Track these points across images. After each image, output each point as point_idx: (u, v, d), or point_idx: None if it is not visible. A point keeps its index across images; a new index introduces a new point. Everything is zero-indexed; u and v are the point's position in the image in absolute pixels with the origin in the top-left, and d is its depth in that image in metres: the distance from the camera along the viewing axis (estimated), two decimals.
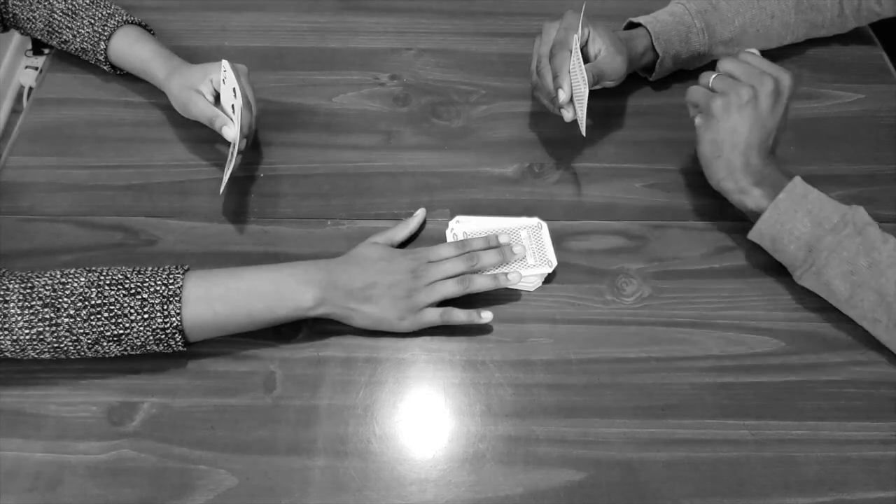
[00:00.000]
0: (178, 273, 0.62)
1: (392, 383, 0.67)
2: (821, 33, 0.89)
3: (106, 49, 0.81)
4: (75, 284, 0.60)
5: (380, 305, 0.65)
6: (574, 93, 0.72)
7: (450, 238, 0.73)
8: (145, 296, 0.60)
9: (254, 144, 0.82)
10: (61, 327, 0.59)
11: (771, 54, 0.88)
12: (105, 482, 0.61)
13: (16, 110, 1.85)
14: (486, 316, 0.67)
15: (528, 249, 0.72)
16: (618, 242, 0.76)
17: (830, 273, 0.66)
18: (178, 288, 0.61)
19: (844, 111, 0.87)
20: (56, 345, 0.60)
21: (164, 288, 0.61)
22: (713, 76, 0.71)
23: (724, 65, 0.70)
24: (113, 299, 0.60)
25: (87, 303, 0.60)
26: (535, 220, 0.74)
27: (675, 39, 0.81)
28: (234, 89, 0.72)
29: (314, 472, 0.62)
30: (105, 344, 0.61)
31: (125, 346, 0.61)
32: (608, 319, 0.71)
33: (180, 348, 0.63)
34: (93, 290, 0.60)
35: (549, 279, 0.72)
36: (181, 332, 0.61)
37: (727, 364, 0.68)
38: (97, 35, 0.80)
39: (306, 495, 0.61)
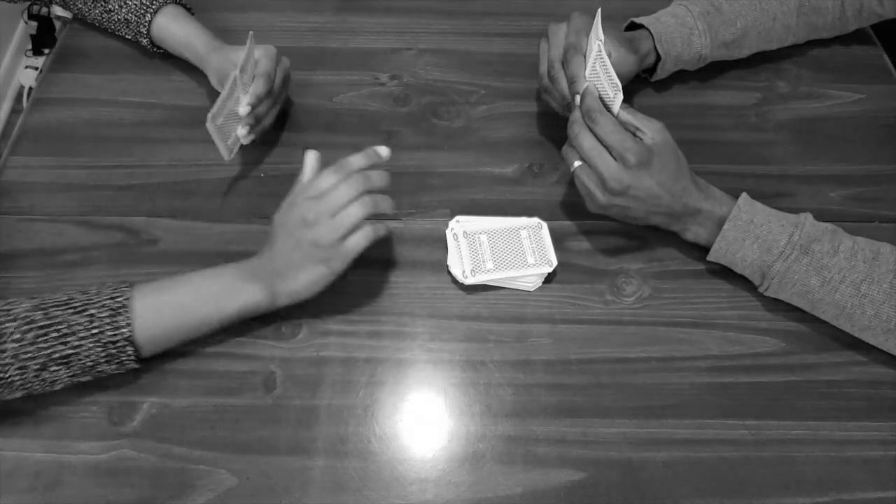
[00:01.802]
0: (124, 287, 0.61)
1: (392, 383, 0.67)
2: (822, 35, 0.89)
3: (150, 22, 0.82)
4: (18, 310, 0.58)
5: (305, 270, 0.64)
6: (603, 98, 0.69)
7: (450, 238, 0.73)
8: (93, 311, 0.59)
9: (254, 144, 0.82)
10: (6, 354, 0.57)
11: (772, 55, 0.89)
12: (105, 482, 0.61)
13: (16, 110, 1.85)
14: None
15: (528, 249, 0.72)
16: (618, 242, 0.76)
17: (787, 294, 0.68)
18: (126, 300, 0.60)
19: (844, 111, 0.87)
20: (2, 374, 0.57)
21: (111, 301, 0.60)
22: (576, 165, 0.69)
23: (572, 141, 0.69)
24: (60, 319, 0.58)
25: (32, 325, 0.58)
26: (535, 220, 0.74)
27: (677, 41, 0.81)
28: (252, 63, 0.75)
29: (314, 472, 0.62)
30: (53, 369, 0.59)
31: (74, 368, 0.59)
32: (608, 319, 0.71)
33: (132, 364, 0.62)
34: (38, 313, 0.58)
35: (549, 279, 0.72)
36: (132, 343, 0.60)
37: (727, 364, 0.68)
38: (144, 7, 0.82)
39: (306, 495, 0.61)
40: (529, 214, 0.76)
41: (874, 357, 0.68)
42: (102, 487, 0.61)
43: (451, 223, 0.74)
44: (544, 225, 0.73)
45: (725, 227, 0.67)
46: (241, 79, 0.74)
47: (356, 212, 0.62)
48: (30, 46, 1.90)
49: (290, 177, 0.79)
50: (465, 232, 0.73)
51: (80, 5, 0.85)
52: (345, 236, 0.63)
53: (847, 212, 0.78)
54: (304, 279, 0.64)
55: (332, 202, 0.62)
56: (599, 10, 0.69)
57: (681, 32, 0.81)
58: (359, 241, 0.63)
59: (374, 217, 0.63)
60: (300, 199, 0.64)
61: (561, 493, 0.62)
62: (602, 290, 0.73)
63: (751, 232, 0.67)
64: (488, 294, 0.72)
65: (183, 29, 0.82)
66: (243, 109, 0.74)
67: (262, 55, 0.77)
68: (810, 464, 0.63)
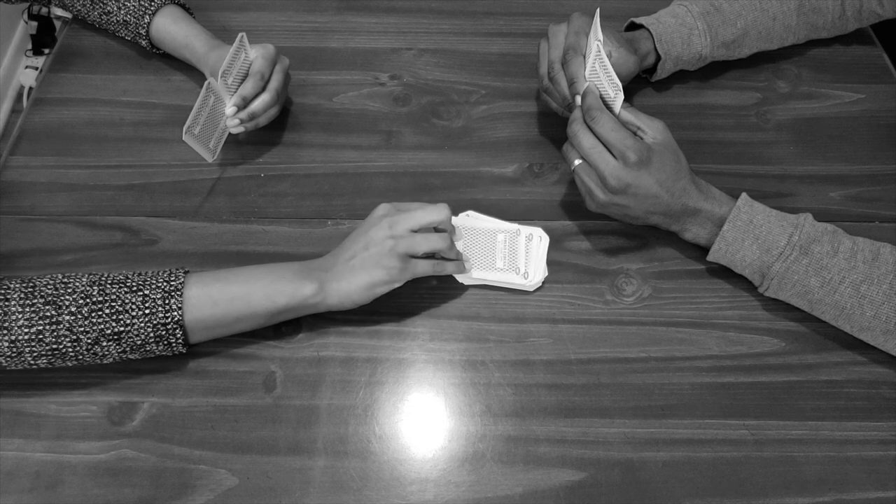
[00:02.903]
0: (179, 272, 0.63)
1: (392, 383, 0.67)
2: (822, 35, 0.89)
3: (149, 24, 0.82)
4: (77, 283, 0.61)
5: (365, 272, 0.64)
6: (604, 98, 0.69)
7: None
8: (147, 291, 0.61)
9: (254, 144, 0.82)
10: (62, 325, 0.59)
11: (772, 55, 0.89)
12: (105, 482, 0.61)
13: (16, 110, 1.85)
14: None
15: (499, 254, 0.72)
16: (618, 242, 0.76)
17: (786, 294, 0.68)
18: (181, 284, 0.62)
19: (844, 111, 0.87)
20: (55, 345, 0.59)
21: (165, 284, 0.61)
22: (576, 163, 0.69)
23: (572, 138, 0.69)
24: (115, 296, 0.60)
25: (88, 300, 0.60)
26: (530, 230, 0.73)
27: (677, 41, 0.81)
28: (245, 64, 0.75)
29: (314, 472, 0.62)
30: (105, 344, 0.60)
31: (125, 345, 0.61)
32: (608, 319, 0.71)
33: (180, 349, 0.63)
34: (94, 287, 0.60)
35: (547, 280, 0.72)
36: (182, 327, 0.61)
37: (727, 364, 0.68)
38: (143, 9, 0.82)
39: (306, 495, 0.61)
40: (530, 214, 0.76)
41: (874, 357, 0.68)
42: (102, 487, 0.61)
43: (462, 214, 0.74)
44: (536, 237, 0.73)
45: (725, 227, 0.67)
46: (225, 81, 0.74)
47: (437, 240, 0.66)
48: (30, 46, 1.90)
49: (290, 177, 0.80)
50: (464, 227, 0.73)
51: (78, 7, 0.86)
52: (416, 256, 0.65)
53: (847, 212, 0.78)
54: (360, 281, 0.64)
55: (419, 220, 0.65)
56: (598, 10, 0.69)
57: (681, 32, 0.81)
58: (426, 267, 0.66)
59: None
60: (389, 210, 0.66)
61: (561, 493, 0.62)
62: (602, 290, 0.73)
63: (750, 232, 0.67)
64: (488, 294, 0.72)
65: (182, 30, 0.82)
66: (229, 110, 0.75)
67: (258, 55, 0.77)
68: (810, 464, 0.63)
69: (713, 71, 0.88)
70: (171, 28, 0.82)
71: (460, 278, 0.72)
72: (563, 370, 0.68)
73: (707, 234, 0.69)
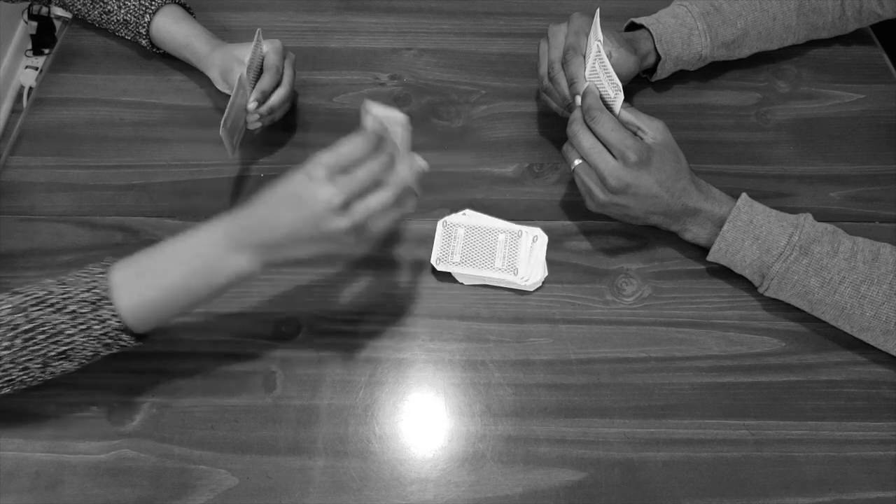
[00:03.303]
0: (99, 274, 0.57)
1: (392, 383, 0.67)
2: (822, 35, 0.89)
3: (149, 23, 0.82)
4: (1, 313, 0.56)
5: (316, 245, 0.57)
6: (604, 98, 0.69)
7: (440, 227, 0.73)
8: (73, 308, 0.56)
9: (254, 144, 0.82)
10: (3, 360, 0.55)
11: (772, 55, 0.89)
12: (105, 482, 0.61)
13: (16, 110, 1.85)
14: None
15: (499, 253, 0.72)
16: (618, 242, 0.76)
17: (786, 294, 0.68)
18: (104, 290, 0.56)
19: (844, 111, 0.87)
20: (7, 377, 0.56)
21: (89, 294, 0.56)
22: (576, 163, 0.69)
23: (572, 138, 0.68)
24: (42, 320, 0.55)
25: (16, 331, 0.55)
26: (532, 230, 0.73)
27: (677, 41, 0.81)
28: (259, 59, 0.75)
29: (314, 472, 0.62)
30: (56, 364, 0.57)
31: (77, 360, 0.58)
32: (608, 319, 0.71)
33: (135, 344, 0.59)
34: (19, 316, 0.55)
35: (547, 280, 0.72)
36: (125, 330, 0.57)
37: (727, 364, 0.68)
38: (143, 8, 0.82)
39: (306, 495, 0.61)
40: (530, 214, 0.76)
41: (874, 357, 0.68)
42: (102, 487, 0.61)
43: (459, 213, 0.74)
44: (535, 237, 0.73)
45: (725, 227, 0.67)
46: (249, 77, 0.74)
47: (386, 198, 0.56)
48: (30, 46, 1.90)
49: None
50: (445, 222, 0.73)
51: (79, 6, 0.86)
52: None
53: (847, 212, 0.78)
54: (311, 252, 0.58)
55: (361, 179, 0.55)
56: (598, 10, 0.69)
57: (681, 32, 0.81)
58: (383, 224, 0.58)
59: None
60: (323, 170, 0.55)
61: (561, 493, 0.62)
62: (602, 290, 0.73)
63: (750, 232, 0.67)
64: (488, 294, 0.72)
65: (183, 30, 0.82)
66: (251, 105, 0.74)
67: (269, 49, 0.77)
68: (810, 464, 0.63)
69: (713, 71, 0.88)
70: (172, 28, 0.82)
71: (460, 278, 0.72)
72: (563, 370, 0.68)
73: (707, 234, 0.69)
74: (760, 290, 0.69)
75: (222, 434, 0.64)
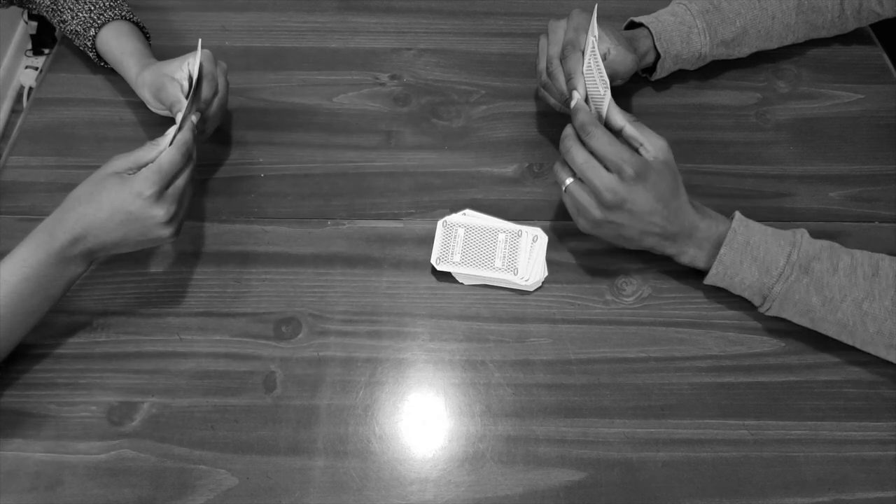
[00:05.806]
0: None
1: (392, 383, 0.67)
2: (821, 34, 0.89)
3: (94, 37, 0.80)
4: None
5: (146, 239, 0.64)
6: (591, 94, 0.68)
7: (440, 227, 0.73)
8: None
9: (254, 145, 0.82)
10: None
11: (772, 55, 0.89)
12: (105, 482, 0.61)
13: (16, 110, 1.85)
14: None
15: (498, 253, 0.72)
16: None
17: (788, 313, 0.67)
18: None
19: (844, 111, 0.87)
20: None
21: None
22: (567, 182, 0.67)
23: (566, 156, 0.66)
24: None
25: None
26: (532, 230, 0.73)
27: (676, 40, 0.81)
28: (194, 71, 0.71)
29: (314, 472, 0.62)
30: None
31: None
32: (608, 319, 0.71)
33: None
34: None
35: (547, 280, 0.72)
36: None
37: (727, 364, 0.68)
38: (91, 21, 0.80)
39: (306, 495, 0.61)
40: (530, 214, 0.76)
41: (874, 357, 0.68)
42: (102, 487, 0.61)
43: (459, 213, 0.74)
44: (535, 237, 0.72)
45: (722, 251, 0.66)
46: (186, 88, 0.71)
47: (181, 159, 0.64)
48: (30, 46, 1.90)
49: (289, 177, 0.80)
50: (445, 222, 0.73)
51: (43, 11, 0.84)
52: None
53: (847, 212, 0.78)
54: (140, 245, 0.65)
55: (181, 187, 0.64)
56: (595, 6, 0.70)
57: (680, 31, 0.81)
58: (190, 195, 0.66)
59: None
60: (152, 189, 0.61)
61: (561, 493, 0.62)
62: (602, 290, 0.73)
63: (748, 254, 0.65)
64: (488, 294, 0.72)
65: (121, 45, 0.79)
66: (194, 117, 0.70)
67: (203, 59, 0.72)
68: (810, 464, 0.63)
69: (713, 71, 0.88)
70: (112, 42, 0.80)
71: (460, 278, 0.72)
72: (563, 370, 0.68)
73: (705, 257, 0.68)
74: (761, 311, 0.68)
75: (222, 434, 0.64)
